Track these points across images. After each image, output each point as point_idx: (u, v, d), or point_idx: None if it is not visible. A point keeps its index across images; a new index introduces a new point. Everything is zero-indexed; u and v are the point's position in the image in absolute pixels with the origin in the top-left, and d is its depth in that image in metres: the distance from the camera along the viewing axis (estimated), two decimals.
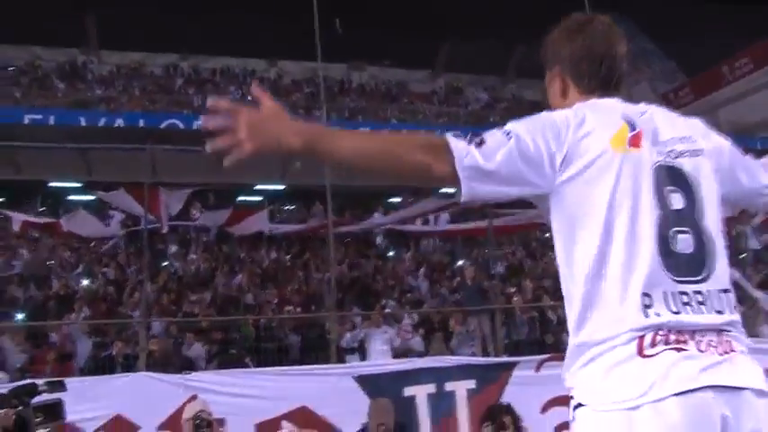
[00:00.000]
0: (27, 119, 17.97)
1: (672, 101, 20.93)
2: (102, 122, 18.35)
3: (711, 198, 1.84)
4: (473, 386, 8.96)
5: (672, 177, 1.80)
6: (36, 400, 4.67)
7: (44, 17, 21.78)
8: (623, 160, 1.76)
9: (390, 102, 25.35)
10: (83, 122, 18.27)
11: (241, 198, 20.59)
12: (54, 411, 4.70)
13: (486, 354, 10.60)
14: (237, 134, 1.63)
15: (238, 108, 1.65)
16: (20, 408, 4.60)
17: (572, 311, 1.79)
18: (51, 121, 18.20)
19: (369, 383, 9.05)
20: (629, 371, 1.66)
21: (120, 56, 25.16)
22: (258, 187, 20.66)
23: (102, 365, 9.51)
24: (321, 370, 9.33)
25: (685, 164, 1.83)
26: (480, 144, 1.73)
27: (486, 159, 1.72)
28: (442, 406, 9.03)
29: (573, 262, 1.78)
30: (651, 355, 1.66)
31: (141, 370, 8.91)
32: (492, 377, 9.05)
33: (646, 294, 1.69)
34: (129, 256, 14.28)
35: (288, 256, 16.16)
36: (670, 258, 1.73)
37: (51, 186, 18.38)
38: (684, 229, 1.76)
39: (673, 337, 1.67)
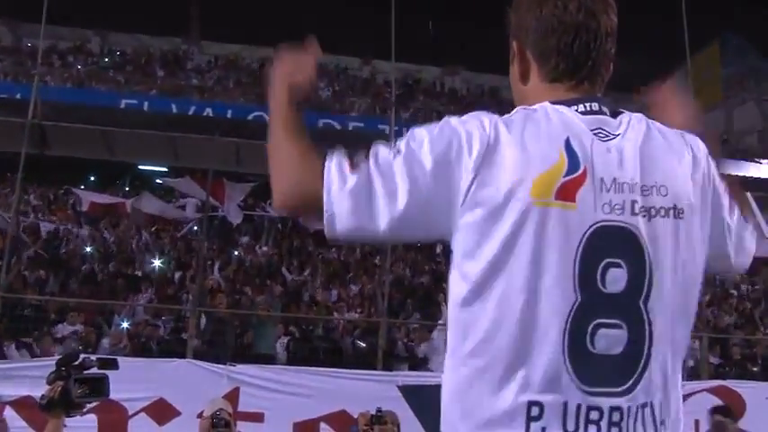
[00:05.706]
0: (123, 103, 18.83)
1: None
2: (191, 111, 18.94)
3: (676, 277, 1.34)
4: None
5: (616, 244, 1.30)
6: (84, 373, 4.79)
7: (152, 6, 22.77)
8: (540, 217, 1.28)
9: (479, 107, 24.89)
10: (174, 110, 18.94)
11: None
12: (97, 387, 4.78)
13: None
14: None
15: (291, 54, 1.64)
16: (64, 378, 4.77)
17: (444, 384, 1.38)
18: (145, 106, 18.99)
19: (412, 394, 8.88)
20: None
21: (219, 47, 25.92)
22: None
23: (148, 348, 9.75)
24: (365, 375, 9.22)
25: (645, 225, 1.32)
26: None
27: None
28: None
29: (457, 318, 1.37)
30: None
31: (188, 356, 9.07)
32: None
33: (534, 403, 1.26)
34: (202, 243, 14.64)
35: (358, 255, 16.08)
36: (581, 361, 1.27)
37: (140, 169, 19.10)
38: (614, 322, 1.29)
39: None
